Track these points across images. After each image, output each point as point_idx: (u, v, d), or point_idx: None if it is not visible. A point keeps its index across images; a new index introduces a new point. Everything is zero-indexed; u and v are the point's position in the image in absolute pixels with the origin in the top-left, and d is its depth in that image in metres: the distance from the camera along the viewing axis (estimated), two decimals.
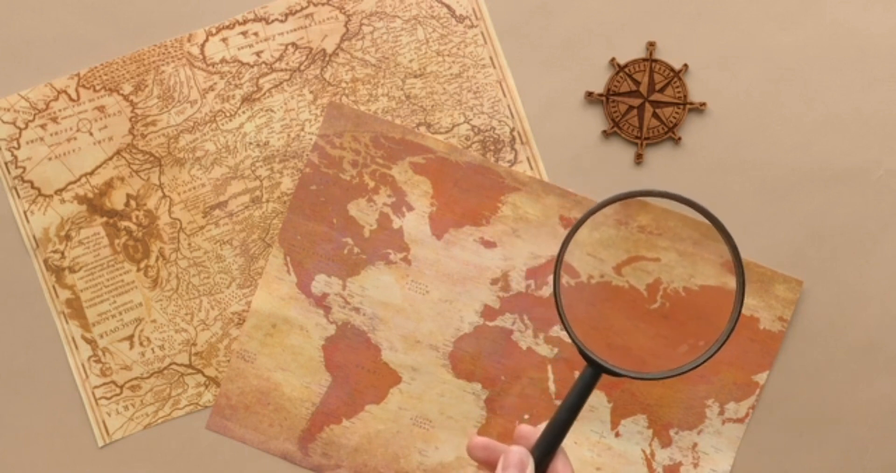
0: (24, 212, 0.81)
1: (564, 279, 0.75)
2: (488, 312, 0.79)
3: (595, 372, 0.62)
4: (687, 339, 0.75)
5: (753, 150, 0.80)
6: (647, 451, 0.79)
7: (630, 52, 0.81)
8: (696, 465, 0.79)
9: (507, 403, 0.79)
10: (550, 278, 0.79)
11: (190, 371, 0.81)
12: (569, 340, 0.76)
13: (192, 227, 0.81)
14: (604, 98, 0.80)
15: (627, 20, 0.81)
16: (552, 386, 0.79)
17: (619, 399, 0.79)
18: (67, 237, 0.81)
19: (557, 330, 0.79)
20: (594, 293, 0.74)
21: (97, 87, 0.81)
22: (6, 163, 0.81)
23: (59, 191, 0.81)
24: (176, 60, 0.81)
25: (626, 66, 0.80)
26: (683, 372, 0.62)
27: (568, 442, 0.79)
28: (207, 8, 0.81)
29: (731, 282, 0.75)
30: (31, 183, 0.81)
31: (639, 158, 0.80)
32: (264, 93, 0.81)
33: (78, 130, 0.81)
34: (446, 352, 0.79)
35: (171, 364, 0.81)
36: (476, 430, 0.79)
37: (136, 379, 0.81)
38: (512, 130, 0.81)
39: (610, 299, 0.74)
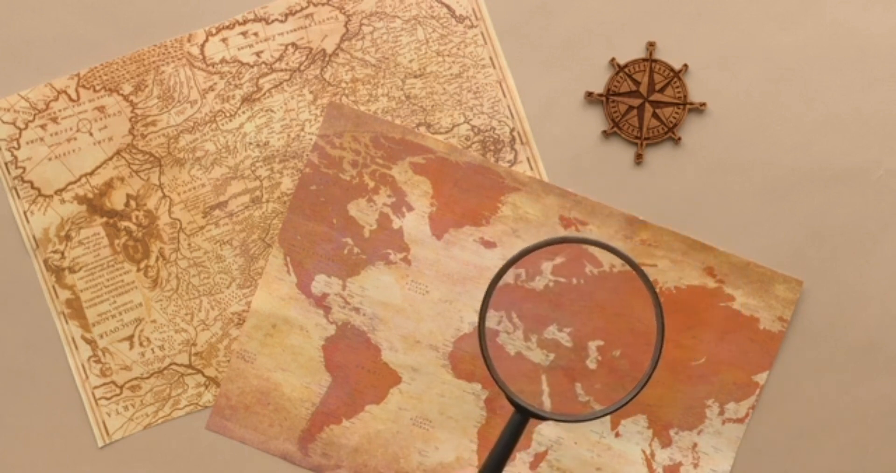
0: (24, 213, 0.81)
1: (587, 268, 0.77)
2: None
3: (523, 417, 0.65)
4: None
5: (753, 150, 0.80)
6: (647, 451, 0.79)
7: (630, 52, 0.81)
8: (696, 465, 0.79)
9: (507, 403, 0.79)
10: (543, 265, 0.78)
11: (190, 371, 0.81)
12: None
13: (192, 227, 0.81)
14: (604, 98, 0.80)
15: (627, 20, 0.81)
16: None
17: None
18: (67, 237, 0.81)
19: (553, 331, 0.79)
20: (617, 281, 0.77)
21: (97, 87, 0.81)
22: (6, 164, 0.81)
23: (59, 192, 0.81)
24: (176, 60, 0.81)
25: (626, 66, 0.80)
26: (609, 413, 0.66)
27: (568, 442, 0.79)
28: (207, 8, 0.81)
29: (710, 283, 0.78)
30: (31, 183, 0.81)
31: (639, 158, 0.80)
32: (264, 94, 0.81)
33: (78, 130, 0.81)
34: (446, 352, 0.79)
35: (171, 364, 0.81)
36: (476, 430, 0.79)
37: (136, 379, 0.81)
38: (512, 130, 0.81)
39: (631, 282, 0.78)
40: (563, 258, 0.78)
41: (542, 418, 0.65)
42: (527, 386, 0.77)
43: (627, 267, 0.76)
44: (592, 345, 0.77)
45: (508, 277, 0.77)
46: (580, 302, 0.77)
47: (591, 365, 0.78)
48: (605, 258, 0.77)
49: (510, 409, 0.79)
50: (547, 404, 0.77)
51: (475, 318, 0.79)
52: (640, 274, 0.65)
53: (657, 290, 0.79)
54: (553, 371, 0.78)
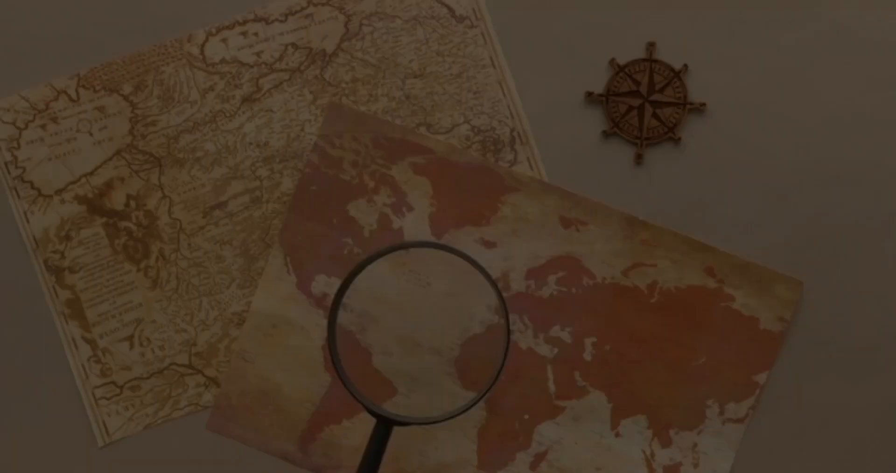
0: (24, 213, 0.81)
1: (584, 280, 0.78)
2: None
3: (386, 426, 0.67)
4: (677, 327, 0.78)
5: (753, 150, 0.80)
6: (647, 451, 0.79)
7: (630, 52, 0.81)
8: (696, 465, 0.79)
9: (507, 403, 0.79)
10: (550, 278, 0.79)
11: (190, 371, 0.81)
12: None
13: (192, 227, 0.81)
14: (604, 98, 0.80)
15: (627, 20, 0.81)
16: (552, 387, 0.79)
17: (619, 400, 0.79)
18: (67, 237, 0.81)
19: (557, 330, 0.79)
20: (607, 292, 0.79)
21: (97, 88, 0.81)
22: (6, 164, 0.81)
23: (59, 192, 0.81)
24: (176, 60, 0.81)
25: (626, 66, 0.80)
26: (464, 410, 0.70)
27: (568, 442, 0.79)
28: (207, 8, 0.81)
29: (710, 283, 0.78)
30: (31, 183, 0.81)
31: (639, 158, 0.80)
32: (264, 94, 0.81)
33: (78, 130, 0.81)
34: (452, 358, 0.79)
35: (171, 364, 0.81)
36: (476, 431, 0.79)
37: (136, 379, 0.81)
38: (512, 130, 0.81)
39: (620, 296, 0.79)
40: (564, 272, 0.79)
41: (403, 423, 0.69)
42: (536, 374, 0.78)
43: (616, 280, 0.78)
44: (588, 341, 0.78)
45: (520, 286, 0.79)
46: (578, 307, 0.78)
47: (587, 357, 0.79)
48: (599, 272, 0.78)
49: (511, 408, 0.79)
50: (552, 389, 0.79)
51: (484, 315, 0.79)
52: (482, 271, 0.69)
53: (657, 290, 0.79)
54: (556, 362, 0.79)
